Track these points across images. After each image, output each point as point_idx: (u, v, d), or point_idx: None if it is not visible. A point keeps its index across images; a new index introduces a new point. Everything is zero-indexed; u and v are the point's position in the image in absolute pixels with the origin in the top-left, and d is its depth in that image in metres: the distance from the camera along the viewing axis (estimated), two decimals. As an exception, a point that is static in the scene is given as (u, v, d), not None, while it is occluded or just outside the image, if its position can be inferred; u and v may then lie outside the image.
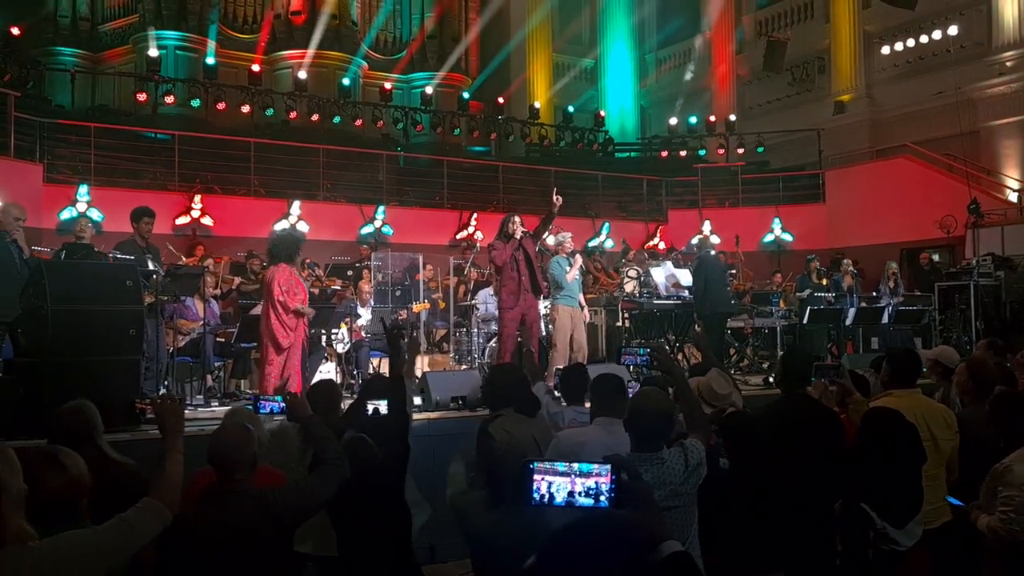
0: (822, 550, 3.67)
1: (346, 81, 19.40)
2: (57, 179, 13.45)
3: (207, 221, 13.78)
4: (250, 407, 3.80)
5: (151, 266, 7.25)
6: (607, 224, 17.37)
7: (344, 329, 9.29)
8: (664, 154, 21.09)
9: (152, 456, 5.15)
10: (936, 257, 14.57)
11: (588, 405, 4.07)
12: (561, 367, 7.85)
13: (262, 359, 6.99)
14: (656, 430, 3.28)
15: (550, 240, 9.09)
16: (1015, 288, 12.25)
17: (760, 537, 3.14)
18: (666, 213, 18.82)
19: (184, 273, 8.17)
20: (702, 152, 20.63)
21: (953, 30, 17.87)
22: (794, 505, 3.45)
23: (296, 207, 14.49)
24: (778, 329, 11.27)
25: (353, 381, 8.97)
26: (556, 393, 5.01)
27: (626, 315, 10.40)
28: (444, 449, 5.57)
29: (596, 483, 1.68)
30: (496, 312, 9.62)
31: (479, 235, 15.42)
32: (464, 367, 9.74)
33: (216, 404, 7.68)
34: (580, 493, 1.68)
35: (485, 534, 3.37)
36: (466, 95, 21.46)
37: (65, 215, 12.71)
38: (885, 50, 19.93)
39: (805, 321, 10.82)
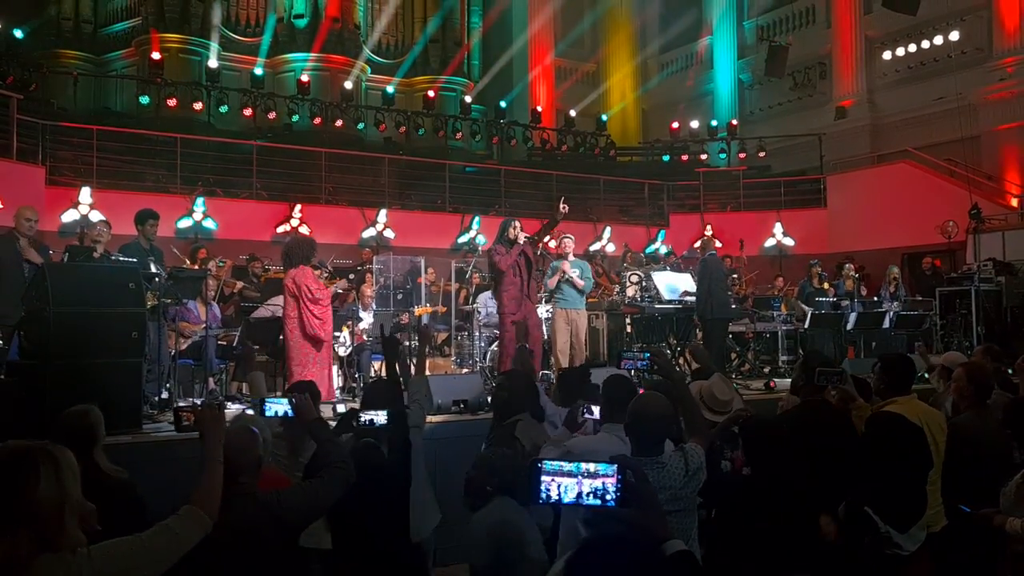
0: (844, 553, 3.67)
1: (348, 84, 19.43)
2: (59, 181, 13.46)
3: (209, 224, 13.79)
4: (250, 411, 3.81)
5: (153, 269, 7.27)
6: (608, 228, 17.38)
7: (346, 332, 9.29)
8: (666, 158, 21.10)
9: (152, 460, 5.19)
10: (938, 263, 14.58)
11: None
12: (561, 370, 7.90)
13: (292, 363, 7.15)
14: (656, 434, 3.29)
15: (551, 243, 9.13)
16: (1016, 293, 12.24)
17: (785, 540, 3.15)
18: (667, 217, 18.83)
19: (186, 276, 8.17)
20: (704, 156, 20.64)
21: (954, 35, 17.90)
22: (817, 508, 3.45)
23: (298, 210, 14.52)
24: (780, 334, 11.29)
25: (355, 384, 8.99)
26: (546, 396, 5.03)
27: (628, 319, 10.43)
28: (446, 452, 5.59)
29: (603, 483, 1.70)
30: (497, 316, 9.65)
31: (481, 239, 15.44)
32: (466, 371, 9.75)
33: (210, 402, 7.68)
34: (587, 494, 1.71)
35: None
36: (468, 99, 21.49)
37: (67, 217, 12.73)
38: (887, 55, 19.96)
39: (807, 325, 10.84)
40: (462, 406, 6.82)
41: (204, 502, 2.61)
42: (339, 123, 18.08)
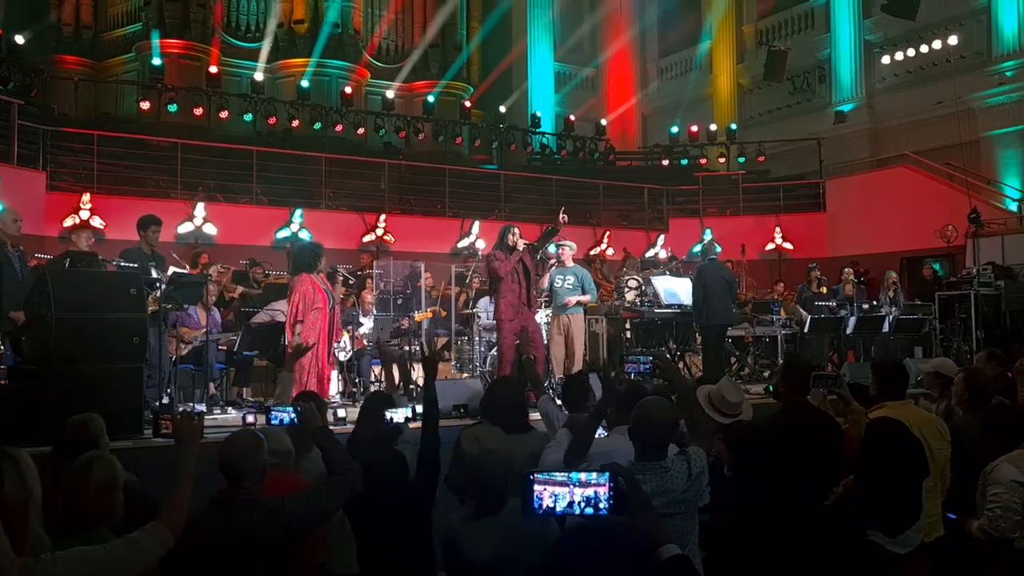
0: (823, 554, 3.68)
1: (348, 90, 19.46)
2: (60, 187, 13.49)
3: (209, 229, 13.81)
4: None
5: (155, 274, 7.28)
6: (608, 233, 17.40)
7: (346, 337, 9.30)
8: (665, 163, 21.14)
9: (154, 465, 5.20)
10: (937, 268, 14.60)
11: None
12: (559, 377, 7.92)
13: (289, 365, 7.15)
14: (660, 439, 3.31)
15: (551, 248, 9.14)
16: (1015, 298, 12.26)
17: (775, 542, 3.16)
18: (667, 222, 18.86)
19: (187, 281, 8.18)
20: (703, 161, 20.67)
21: (953, 40, 17.94)
22: (794, 510, 3.46)
23: (298, 215, 14.54)
24: (779, 338, 11.30)
25: (355, 389, 9.00)
26: (558, 401, 5.04)
27: (627, 324, 10.45)
28: (446, 457, 5.59)
29: (595, 492, 1.72)
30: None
31: (481, 243, 15.46)
32: (465, 375, 9.77)
33: (218, 412, 7.70)
34: (579, 502, 1.72)
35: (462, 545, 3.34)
36: (468, 104, 21.52)
37: (68, 223, 12.75)
38: (885, 60, 20.00)
39: (806, 330, 10.85)
40: (462, 411, 6.83)
41: (170, 518, 2.60)
42: (339, 128, 18.11)
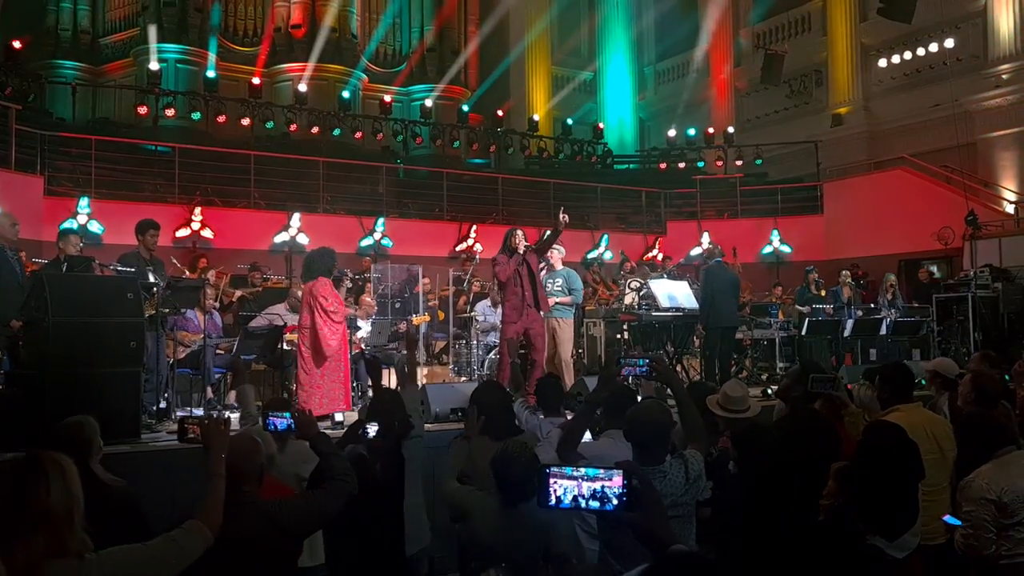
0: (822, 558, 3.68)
1: (346, 94, 19.49)
2: (58, 192, 13.48)
3: (207, 233, 13.81)
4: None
5: (152, 278, 7.27)
6: (606, 236, 17.41)
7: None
8: (663, 166, 21.16)
9: (150, 470, 5.20)
10: (935, 270, 14.61)
11: (570, 416, 4.10)
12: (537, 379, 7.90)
13: (300, 373, 7.21)
14: (657, 442, 3.31)
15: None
16: (1013, 299, 12.28)
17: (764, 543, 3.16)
18: (665, 225, 18.87)
19: (185, 285, 8.18)
20: (701, 164, 20.70)
21: (950, 43, 17.97)
22: (795, 514, 3.46)
23: (296, 219, 14.53)
24: (777, 341, 11.31)
25: (353, 393, 8.98)
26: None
27: (624, 327, 10.44)
28: (443, 461, 5.58)
29: (603, 487, 1.74)
30: (494, 322, 9.66)
31: (479, 247, 15.46)
32: (464, 379, 9.75)
33: (215, 415, 7.68)
34: (586, 496, 1.74)
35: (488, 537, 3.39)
36: (465, 107, 21.55)
37: (66, 228, 12.72)
38: (882, 63, 20.05)
39: (804, 332, 10.86)
40: (460, 414, 6.81)
41: (208, 516, 2.66)
42: (337, 132, 18.12)
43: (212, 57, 20.37)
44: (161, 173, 14.86)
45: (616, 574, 3.16)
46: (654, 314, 10.19)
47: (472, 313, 10.69)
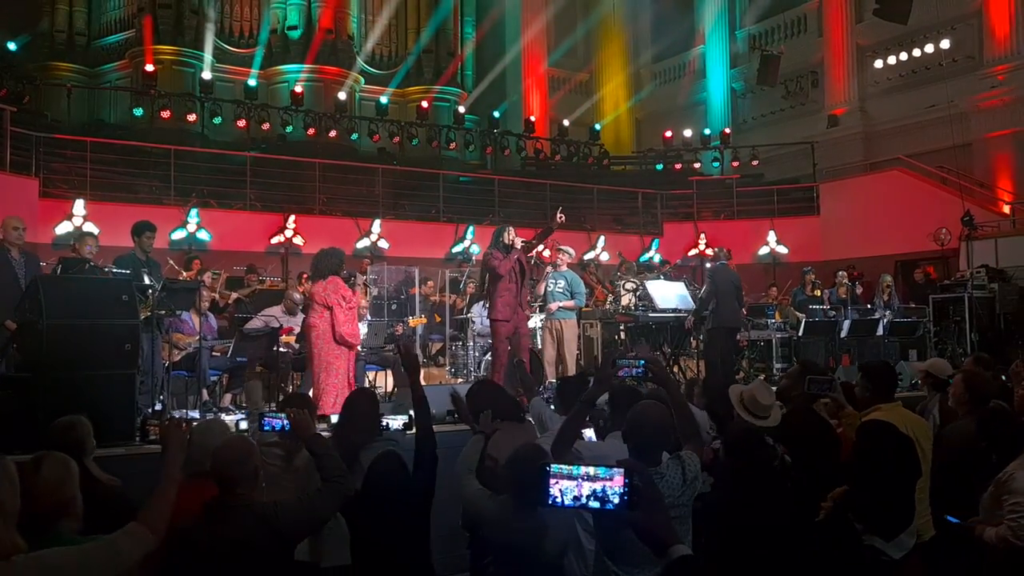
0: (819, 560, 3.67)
1: (342, 95, 19.47)
2: (53, 194, 13.45)
3: (203, 235, 13.78)
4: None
5: (147, 280, 7.25)
6: (603, 237, 17.41)
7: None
8: (659, 167, 21.16)
9: (146, 472, 5.16)
10: (931, 270, 14.63)
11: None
12: (551, 380, 7.90)
13: (316, 373, 7.18)
14: (655, 443, 3.29)
15: (545, 252, 9.15)
16: (1009, 300, 12.30)
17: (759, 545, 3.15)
18: (661, 226, 18.88)
19: (180, 287, 8.16)
20: (697, 165, 20.70)
21: (945, 43, 18.01)
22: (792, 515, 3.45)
23: (292, 221, 14.51)
24: (774, 342, 11.31)
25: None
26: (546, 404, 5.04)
27: (621, 327, 10.45)
28: (441, 462, 5.56)
29: (604, 487, 1.72)
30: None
31: (475, 248, 15.44)
32: (460, 380, 9.74)
33: (211, 418, 7.66)
34: (587, 496, 1.73)
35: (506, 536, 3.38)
36: (462, 109, 21.54)
37: (61, 229, 12.71)
38: (878, 64, 20.07)
39: (801, 333, 10.86)
40: (456, 416, 6.78)
41: (151, 519, 2.59)
42: (333, 134, 18.11)
43: (208, 58, 20.33)
44: (157, 175, 14.82)
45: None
46: (651, 315, 10.20)
47: (468, 315, 10.67)
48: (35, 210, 12.75)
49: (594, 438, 4.22)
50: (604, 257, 16.95)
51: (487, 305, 8.51)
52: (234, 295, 10.50)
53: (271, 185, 15.40)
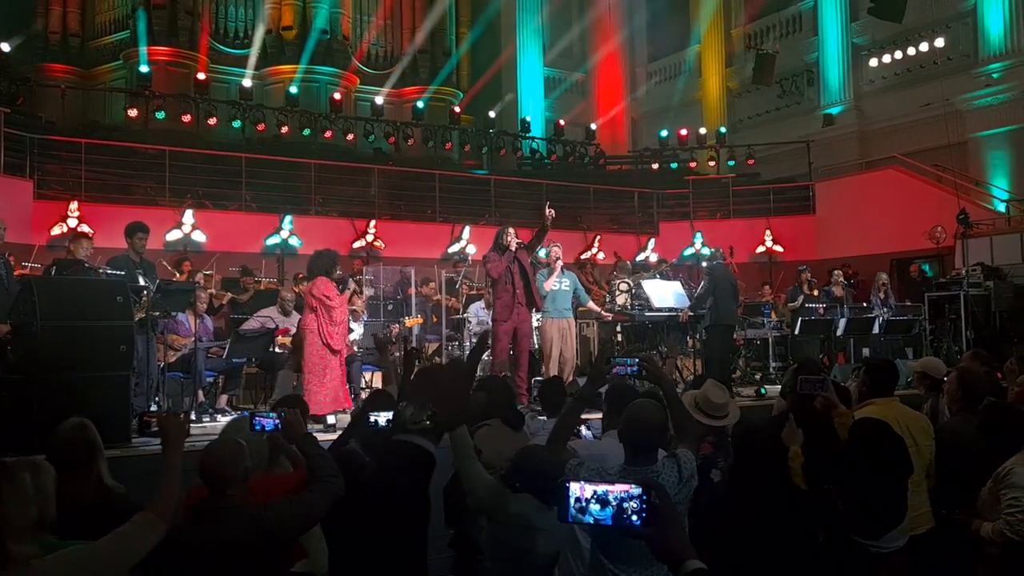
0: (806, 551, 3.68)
1: (337, 96, 19.45)
2: (47, 195, 13.42)
3: (198, 236, 13.75)
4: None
5: (142, 282, 7.24)
6: (599, 237, 17.41)
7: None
8: (655, 167, 21.16)
9: (142, 475, 5.15)
10: (926, 268, 14.66)
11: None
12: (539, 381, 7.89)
13: (308, 373, 7.25)
14: (651, 442, 3.29)
15: (541, 253, 9.13)
16: (1004, 298, 12.32)
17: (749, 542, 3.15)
18: (657, 225, 18.88)
19: (175, 289, 8.15)
20: (693, 164, 20.71)
21: (940, 42, 18.02)
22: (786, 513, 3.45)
23: (288, 222, 14.49)
24: (770, 340, 11.32)
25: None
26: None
27: (618, 327, 10.44)
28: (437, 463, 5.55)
29: (622, 504, 1.72)
30: (487, 325, 9.62)
31: (471, 249, 15.43)
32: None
33: (208, 420, 7.66)
34: (606, 513, 1.73)
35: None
36: (457, 109, 21.52)
37: (56, 231, 12.68)
38: (873, 62, 20.09)
39: (797, 332, 10.87)
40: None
41: (159, 507, 2.61)
42: (328, 134, 18.08)
43: (203, 59, 20.30)
44: (151, 176, 14.79)
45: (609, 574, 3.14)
46: (647, 314, 10.20)
47: (465, 315, 10.66)
48: (30, 212, 12.74)
49: (589, 436, 4.22)
50: (600, 257, 16.94)
51: (485, 307, 8.50)
52: (228, 295, 10.48)
53: (266, 186, 15.37)
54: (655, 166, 21.19)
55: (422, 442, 3.16)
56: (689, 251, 17.57)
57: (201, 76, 18.21)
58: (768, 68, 19.36)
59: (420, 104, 20.59)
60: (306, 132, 17.91)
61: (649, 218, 19.08)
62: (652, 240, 18.02)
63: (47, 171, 13.85)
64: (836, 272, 12.40)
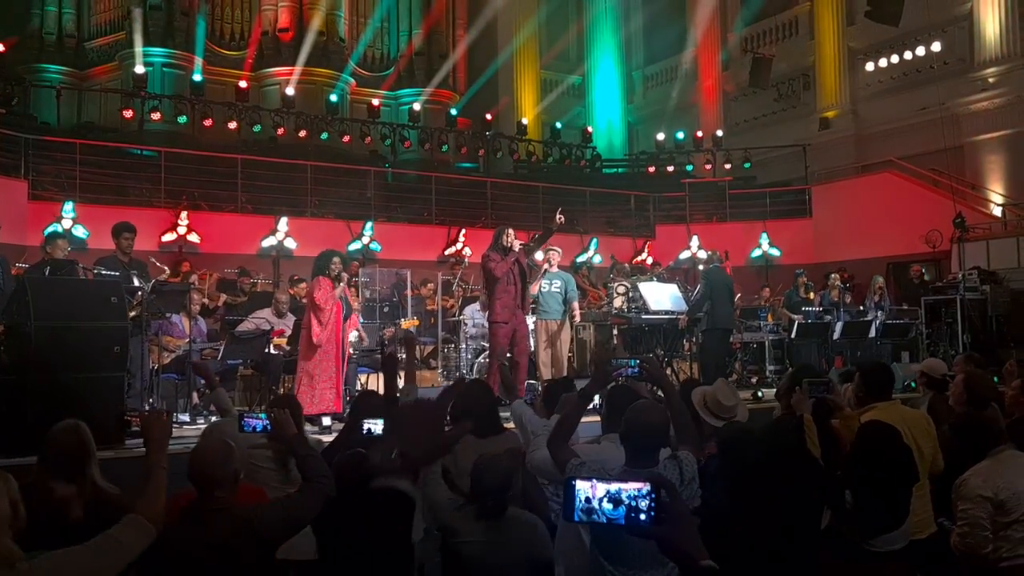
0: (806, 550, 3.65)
1: (334, 98, 19.41)
2: (42, 196, 13.35)
3: (194, 238, 13.69)
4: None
5: (136, 282, 7.20)
6: (595, 240, 17.39)
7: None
8: (651, 170, 21.15)
9: (135, 476, 5.10)
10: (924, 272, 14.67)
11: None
12: (546, 381, 7.87)
13: (299, 374, 7.33)
14: (652, 444, 3.26)
15: (538, 255, 9.11)
16: (1001, 302, 12.33)
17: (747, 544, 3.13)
18: (654, 229, 18.87)
19: (169, 290, 8.11)
20: (689, 168, 20.71)
21: (936, 46, 18.04)
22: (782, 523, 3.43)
23: (283, 223, 14.43)
24: (767, 344, 11.31)
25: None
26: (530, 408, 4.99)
27: (615, 330, 10.43)
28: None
29: (630, 502, 1.68)
30: (483, 325, 9.61)
31: (467, 251, 15.41)
32: (452, 383, 9.69)
33: (202, 421, 7.61)
34: (615, 512, 1.69)
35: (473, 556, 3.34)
36: (454, 111, 21.49)
37: (52, 232, 12.61)
38: (869, 66, 20.11)
39: (794, 335, 10.86)
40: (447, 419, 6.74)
41: (148, 509, 2.57)
42: (324, 136, 18.04)
43: (198, 61, 20.25)
44: (147, 177, 14.74)
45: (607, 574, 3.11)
46: (644, 317, 10.19)
47: (460, 317, 10.63)
48: (24, 212, 12.67)
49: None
50: (597, 260, 16.93)
51: (480, 309, 8.48)
52: (223, 297, 10.44)
53: (262, 188, 15.33)
54: (651, 169, 21.17)
55: (401, 485, 3.15)
56: (685, 254, 17.59)
57: (197, 77, 18.16)
58: (764, 72, 19.40)
59: (416, 106, 20.55)
60: (302, 134, 17.86)
61: (645, 221, 19.07)
62: (648, 243, 18.04)
63: (42, 172, 13.78)
64: (833, 275, 12.39)
